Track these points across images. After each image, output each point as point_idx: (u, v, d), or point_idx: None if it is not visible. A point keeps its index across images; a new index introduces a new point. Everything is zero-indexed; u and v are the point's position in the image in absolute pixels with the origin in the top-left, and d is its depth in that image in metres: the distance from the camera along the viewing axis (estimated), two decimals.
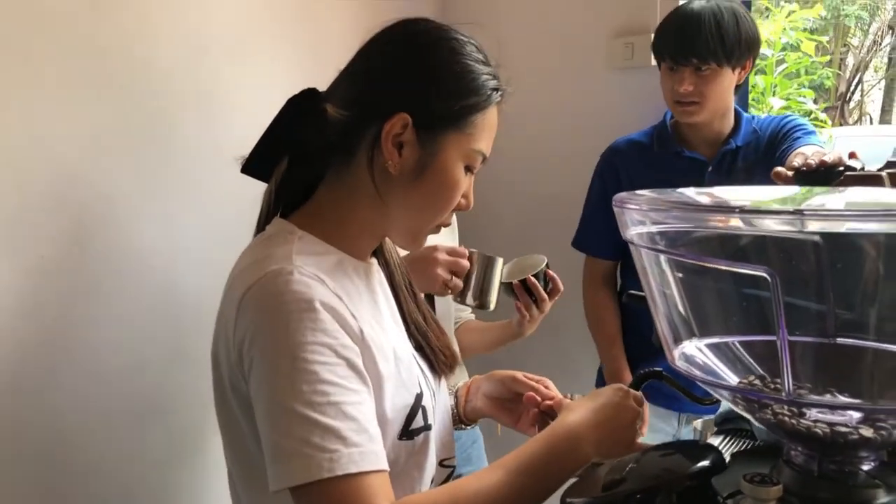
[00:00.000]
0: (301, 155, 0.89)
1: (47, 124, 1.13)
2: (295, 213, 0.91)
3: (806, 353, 0.71)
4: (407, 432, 0.87)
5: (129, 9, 1.24)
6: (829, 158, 1.11)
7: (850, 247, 0.65)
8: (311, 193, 0.91)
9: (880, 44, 10.56)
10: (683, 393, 0.96)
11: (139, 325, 1.28)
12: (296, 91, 0.88)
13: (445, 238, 1.44)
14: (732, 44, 1.51)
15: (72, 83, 1.16)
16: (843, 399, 0.67)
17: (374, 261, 0.96)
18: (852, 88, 10.57)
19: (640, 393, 0.91)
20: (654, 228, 0.73)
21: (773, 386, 0.69)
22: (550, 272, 1.42)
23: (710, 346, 0.76)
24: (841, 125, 9.50)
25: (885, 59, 10.71)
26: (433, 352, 0.99)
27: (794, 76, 4.75)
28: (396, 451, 0.85)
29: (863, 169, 1.07)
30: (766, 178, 1.19)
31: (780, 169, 1.15)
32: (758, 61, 1.79)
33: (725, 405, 0.99)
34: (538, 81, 2.01)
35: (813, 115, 4.53)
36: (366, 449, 0.74)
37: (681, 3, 1.70)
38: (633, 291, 0.96)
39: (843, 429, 0.65)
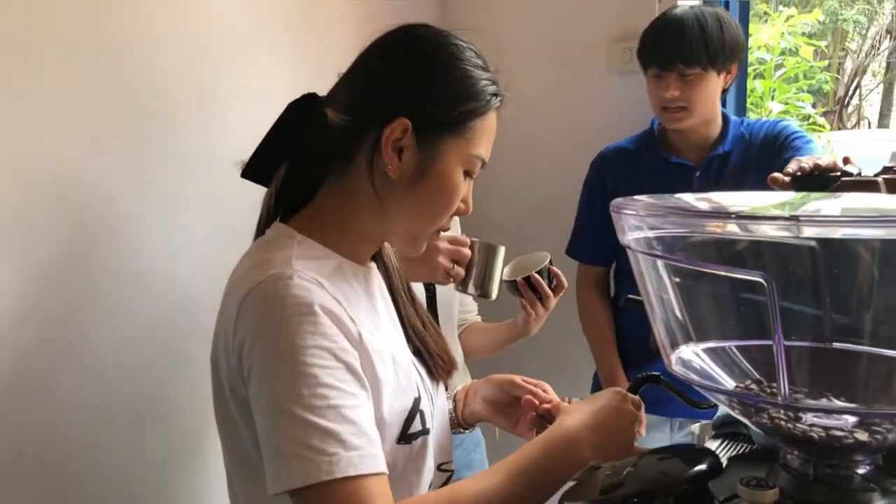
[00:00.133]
0: (301, 159, 0.90)
1: (48, 126, 1.13)
2: (294, 217, 0.91)
3: (802, 357, 0.71)
4: (405, 436, 0.87)
5: (130, 10, 1.25)
6: (823, 162, 1.12)
7: (845, 252, 0.66)
8: (311, 198, 0.92)
9: (878, 48, 10.58)
10: (681, 397, 0.96)
11: (139, 327, 1.28)
12: (296, 95, 0.89)
13: None
14: (717, 48, 1.51)
15: (72, 84, 1.16)
16: (838, 403, 0.67)
17: (373, 265, 0.96)
18: (850, 93, 10.59)
19: (637, 397, 0.92)
20: (651, 233, 0.73)
21: (769, 390, 0.70)
22: (554, 268, 1.42)
23: (706, 350, 0.76)
24: (839, 129, 9.52)
25: (884, 64, 10.73)
26: (431, 356, 1.00)
27: (792, 80, 4.76)
28: (394, 455, 0.86)
29: (859, 174, 1.08)
30: (757, 184, 1.20)
31: (776, 175, 1.16)
32: (757, 66, 1.80)
33: (723, 409, 1.00)
34: (538, 86, 2.02)
35: (811, 120, 4.54)
36: (365, 452, 0.75)
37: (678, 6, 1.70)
38: (630, 296, 0.96)
39: (839, 433, 0.65)
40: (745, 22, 2.08)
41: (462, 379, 1.45)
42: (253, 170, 0.92)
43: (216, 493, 1.38)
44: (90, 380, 1.20)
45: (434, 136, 0.85)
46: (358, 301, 0.87)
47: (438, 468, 0.97)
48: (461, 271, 1.29)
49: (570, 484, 0.81)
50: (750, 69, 4.16)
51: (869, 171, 1.09)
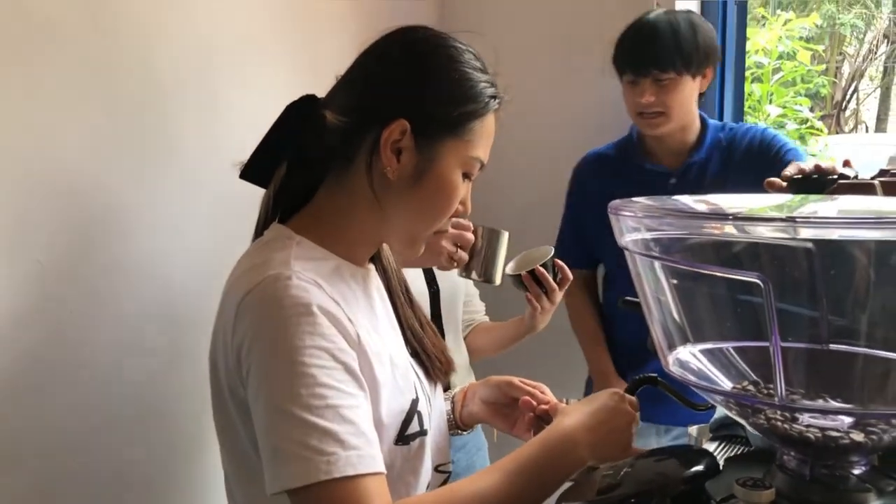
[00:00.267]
0: (300, 161, 0.90)
1: (48, 127, 1.13)
2: (293, 218, 0.91)
3: (799, 358, 0.72)
4: (403, 437, 0.87)
5: (130, 12, 1.25)
6: (824, 165, 1.12)
7: (842, 254, 0.66)
8: (310, 199, 0.92)
9: (876, 52, 10.61)
10: (678, 398, 0.96)
11: (137, 327, 1.28)
12: (295, 97, 0.89)
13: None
14: (690, 52, 1.52)
15: (72, 86, 1.16)
16: (834, 404, 0.68)
17: (371, 267, 0.97)
18: (848, 97, 10.62)
19: (634, 398, 0.92)
20: (649, 235, 0.73)
21: (766, 391, 0.70)
22: (559, 261, 1.42)
23: (704, 351, 0.77)
24: (837, 133, 9.54)
25: (881, 68, 10.76)
26: (429, 358, 1.00)
27: (790, 84, 4.77)
28: (392, 456, 0.86)
29: (856, 177, 1.08)
30: (738, 191, 1.20)
31: (774, 179, 1.16)
32: (754, 69, 1.80)
33: (721, 411, 1.00)
34: (536, 88, 2.02)
35: (809, 124, 4.55)
36: (363, 452, 0.75)
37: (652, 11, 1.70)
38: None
39: (835, 433, 0.66)
40: (742, 25, 2.09)
41: (465, 380, 1.45)
42: (252, 171, 0.92)
43: (214, 493, 1.38)
44: (89, 380, 1.21)
45: (433, 137, 0.86)
46: (356, 302, 0.87)
47: (436, 469, 0.97)
48: (465, 256, 1.29)
49: (568, 484, 0.81)
50: (748, 73, 4.17)
51: (866, 174, 1.10)
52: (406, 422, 0.88)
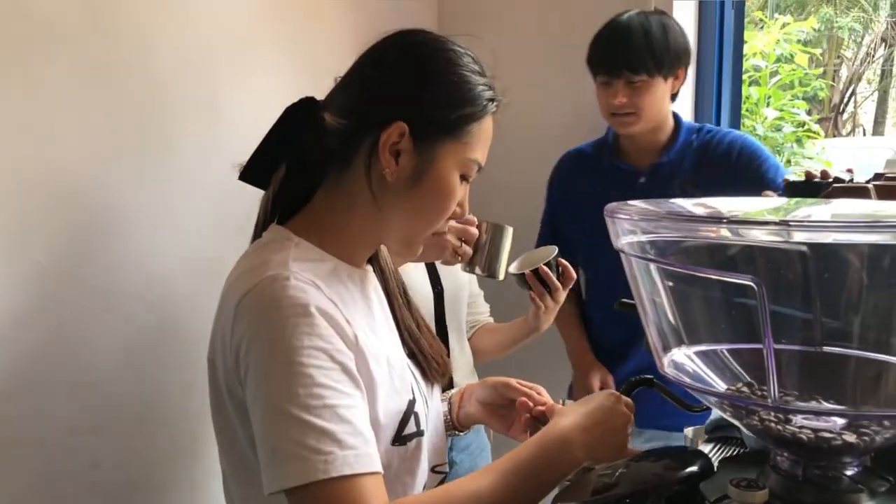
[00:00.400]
0: (299, 163, 0.90)
1: (47, 128, 1.13)
2: (292, 219, 0.92)
3: (792, 360, 0.72)
4: (399, 438, 0.88)
5: (129, 13, 1.26)
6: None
7: (835, 257, 0.67)
8: (308, 201, 0.92)
9: (873, 56, 10.64)
10: (673, 400, 0.97)
11: (136, 327, 1.29)
12: (294, 99, 0.90)
13: None
14: (661, 54, 1.54)
15: (70, 87, 1.17)
16: (827, 405, 0.68)
17: (369, 268, 0.97)
18: (846, 100, 10.65)
19: (630, 399, 0.92)
20: (645, 238, 0.74)
21: (759, 393, 0.71)
22: (562, 261, 1.43)
23: (699, 353, 0.77)
24: (834, 136, 9.56)
25: (878, 71, 10.79)
26: (426, 359, 1.00)
27: (787, 87, 4.77)
28: (389, 457, 0.86)
29: (851, 181, 1.09)
30: (710, 195, 1.20)
31: (769, 192, 1.17)
32: (752, 73, 1.81)
33: (716, 413, 1.01)
34: (534, 90, 2.03)
35: (806, 127, 4.56)
36: (361, 451, 0.75)
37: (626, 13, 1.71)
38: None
39: (828, 434, 0.66)
40: (740, 28, 2.10)
41: (469, 381, 1.45)
42: (251, 172, 0.92)
43: (212, 493, 1.38)
44: (87, 380, 1.21)
45: (431, 140, 0.86)
46: (354, 303, 0.88)
47: (432, 470, 0.98)
48: (469, 250, 1.29)
49: (564, 484, 0.82)
50: (745, 76, 4.18)
51: (861, 178, 1.11)
52: (403, 422, 0.88)
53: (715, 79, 2.07)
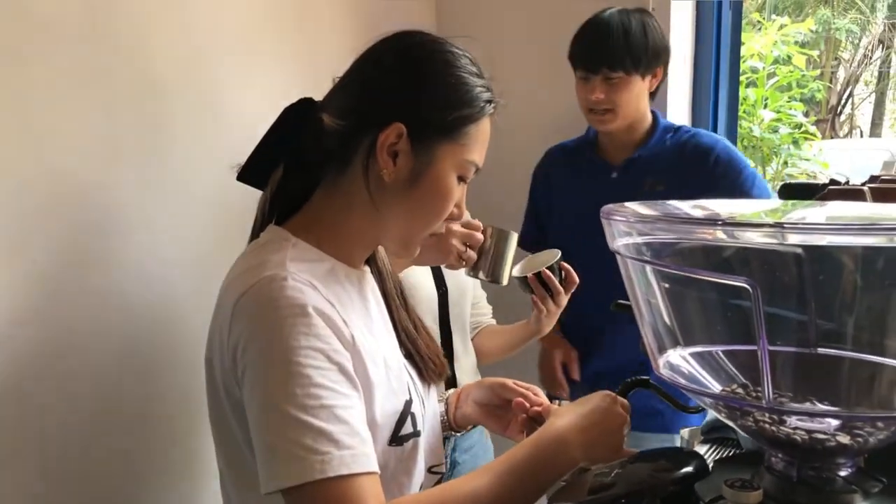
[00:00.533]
0: (296, 163, 0.91)
1: (45, 128, 1.14)
2: (289, 220, 0.92)
3: (787, 362, 0.73)
4: (396, 438, 0.88)
5: (127, 13, 1.26)
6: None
7: (830, 259, 0.67)
8: (306, 201, 0.93)
9: (871, 58, 10.66)
10: (669, 401, 0.98)
11: (134, 327, 1.29)
12: (292, 100, 0.90)
13: None
14: (640, 52, 1.56)
15: (69, 87, 1.17)
16: (821, 407, 0.69)
17: (366, 269, 0.97)
18: (843, 102, 10.67)
19: (626, 400, 0.93)
20: (640, 239, 0.74)
21: (754, 394, 0.71)
22: (565, 264, 1.44)
23: (694, 354, 0.78)
24: (831, 138, 9.58)
25: (875, 73, 10.81)
26: (423, 360, 1.01)
27: (785, 89, 4.79)
28: (386, 457, 0.87)
29: (846, 183, 1.10)
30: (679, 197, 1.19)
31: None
32: (749, 74, 1.82)
33: (711, 414, 1.01)
34: (533, 91, 2.04)
35: (803, 128, 4.57)
36: (357, 451, 0.76)
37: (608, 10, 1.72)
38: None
39: (822, 436, 0.67)
40: (737, 29, 2.10)
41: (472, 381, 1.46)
42: (249, 173, 0.93)
43: (210, 492, 1.38)
44: (85, 380, 1.21)
45: (429, 141, 0.86)
46: (351, 304, 0.88)
47: (429, 470, 0.98)
48: (473, 255, 1.29)
49: (560, 485, 0.82)
50: (742, 77, 4.19)
51: (857, 180, 1.11)
52: (400, 423, 0.88)
53: (712, 80, 2.08)
